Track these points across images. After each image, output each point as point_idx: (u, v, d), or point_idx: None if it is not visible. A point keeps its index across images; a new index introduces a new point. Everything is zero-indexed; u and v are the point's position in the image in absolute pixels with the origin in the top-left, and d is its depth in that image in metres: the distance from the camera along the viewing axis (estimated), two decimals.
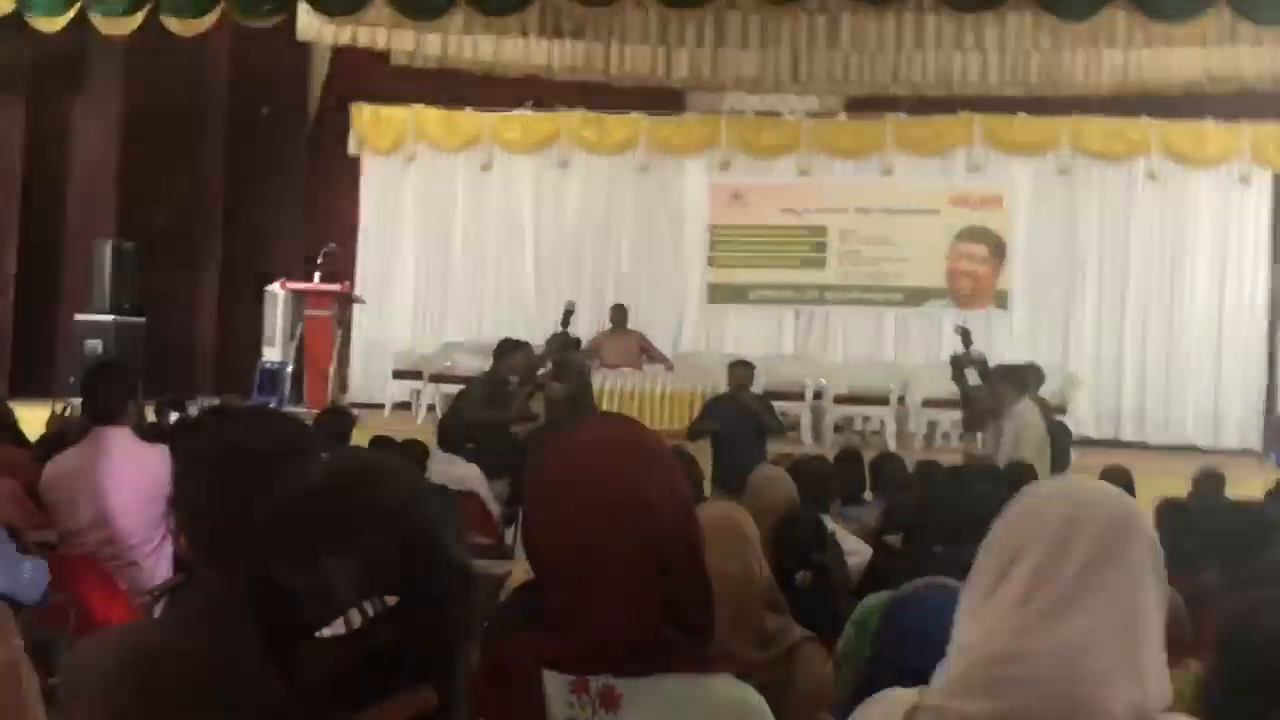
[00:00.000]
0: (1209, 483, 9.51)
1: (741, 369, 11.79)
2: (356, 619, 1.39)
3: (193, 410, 10.51)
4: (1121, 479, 9.00)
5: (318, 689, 1.43)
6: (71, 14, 13.27)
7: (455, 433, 10.57)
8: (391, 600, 1.41)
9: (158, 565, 5.59)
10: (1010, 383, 10.98)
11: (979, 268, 16.98)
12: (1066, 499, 1.87)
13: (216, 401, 8.15)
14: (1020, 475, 7.65)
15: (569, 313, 12.78)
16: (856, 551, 6.29)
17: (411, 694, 1.45)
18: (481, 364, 15.39)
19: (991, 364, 11.58)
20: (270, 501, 1.50)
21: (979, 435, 11.68)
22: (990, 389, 11.04)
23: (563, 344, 12.33)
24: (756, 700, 2.03)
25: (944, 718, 1.82)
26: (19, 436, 9.01)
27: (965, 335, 12.05)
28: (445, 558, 1.48)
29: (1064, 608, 1.79)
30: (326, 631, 1.39)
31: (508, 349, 11.90)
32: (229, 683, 1.69)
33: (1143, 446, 15.61)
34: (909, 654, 3.36)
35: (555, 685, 1.88)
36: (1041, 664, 1.77)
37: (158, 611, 4.79)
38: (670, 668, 1.92)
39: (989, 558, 1.87)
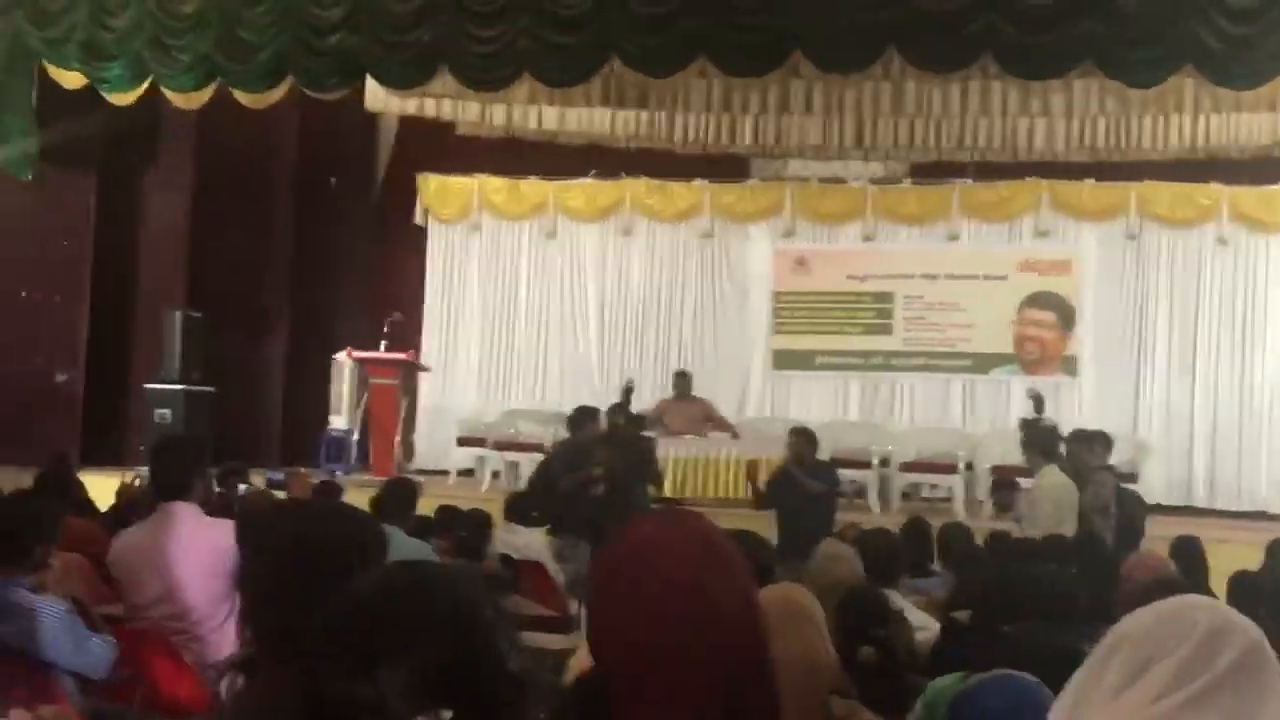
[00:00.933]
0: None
1: (792, 437, 11.73)
2: None
3: (257, 481, 10.59)
4: (1193, 548, 8.92)
5: None
6: (144, 88, 13.49)
7: (536, 502, 10.63)
8: (447, 714, 1.40)
9: (223, 640, 5.59)
10: (1036, 448, 10.92)
11: (1047, 334, 16.85)
12: (1213, 611, 1.89)
13: (280, 475, 8.18)
14: (1092, 551, 7.56)
15: (629, 390, 12.76)
16: (924, 626, 6.21)
17: None
18: (544, 431, 15.48)
19: (1061, 430, 11.45)
20: (326, 612, 1.50)
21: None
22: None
23: (625, 419, 12.31)
24: None
25: None
26: (89, 507, 9.10)
27: (1038, 400, 11.95)
28: (500, 667, 1.47)
29: (1204, 703, 1.79)
30: None
31: (585, 419, 11.94)
32: None
33: (1215, 513, 15.39)
34: None
35: None
36: None
37: (223, 687, 4.82)
38: None
39: (1120, 655, 1.87)
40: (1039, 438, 11.14)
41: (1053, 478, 10.56)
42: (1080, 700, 1.88)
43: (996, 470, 14.57)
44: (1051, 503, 10.47)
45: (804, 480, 11.25)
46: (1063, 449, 10.83)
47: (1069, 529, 9.80)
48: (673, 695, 1.85)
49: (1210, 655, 1.81)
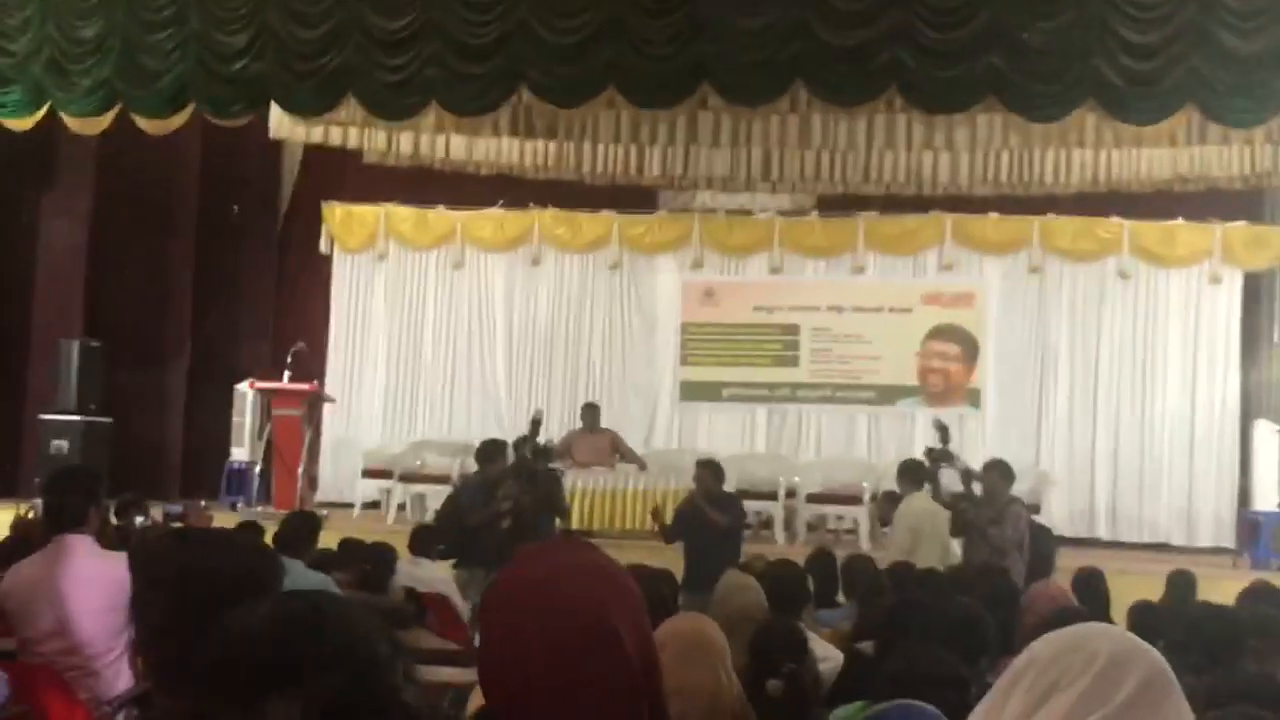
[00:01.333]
0: (1181, 585, 9.49)
1: (699, 468, 11.75)
2: None
3: (155, 513, 10.42)
4: (1096, 581, 8.98)
5: None
6: (41, 113, 13.29)
7: (443, 536, 10.54)
8: None
9: (118, 675, 5.47)
10: (907, 475, 11.42)
11: (951, 366, 16.99)
12: (1115, 640, 1.88)
13: (179, 507, 8.06)
14: (993, 582, 7.58)
15: (537, 422, 12.69)
16: (828, 657, 6.18)
17: None
18: (451, 463, 15.38)
19: (964, 462, 11.54)
20: (213, 644, 1.44)
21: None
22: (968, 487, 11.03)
23: (532, 450, 12.23)
24: None
25: None
26: None
27: (943, 430, 12.00)
28: (393, 700, 1.42)
29: None
30: None
31: (494, 452, 11.87)
32: None
33: (1117, 545, 15.57)
34: None
35: None
36: None
37: None
38: None
39: (1023, 685, 1.86)
40: (910, 465, 11.59)
41: (915, 504, 10.84)
42: None
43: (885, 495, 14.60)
44: (909, 529, 10.70)
45: (710, 513, 11.24)
46: (971, 480, 10.94)
47: (925, 556, 9.95)
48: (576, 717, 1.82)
49: (1110, 686, 1.80)
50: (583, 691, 1.83)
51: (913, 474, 11.45)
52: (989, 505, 10.52)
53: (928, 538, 10.69)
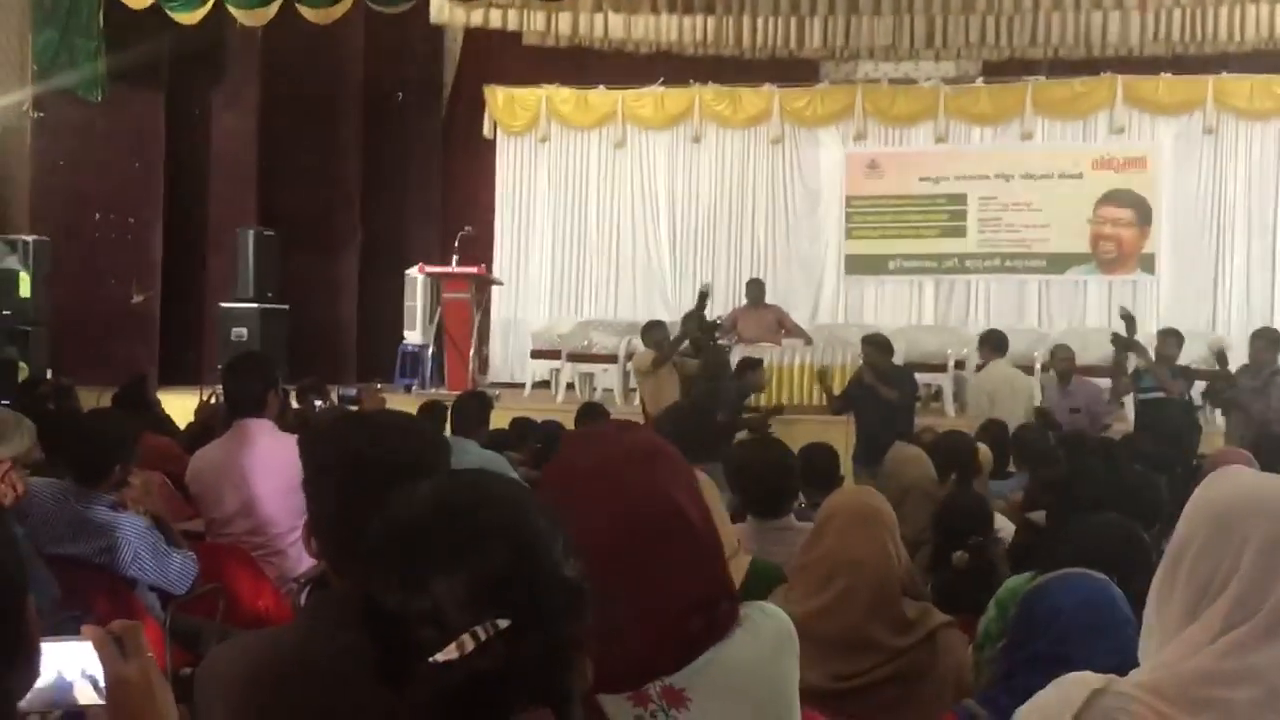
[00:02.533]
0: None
1: (866, 344, 11.72)
2: (469, 643, 1.38)
3: (334, 395, 10.67)
4: (1275, 443, 8.82)
5: (433, 713, 1.42)
6: (209, 6, 13.50)
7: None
8: (503, 622, 1.39)
9: (302, 553, 5.62)
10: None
11: (1123, 232, 16.65)
12: (1267, 515, 1.78)
13: (354, 390, 8.25)
14: (1165, 451, 7.48)
15: (704, 295, 12.73)
16: (1001, 528, 6.19)
17: (527, 716, 1.43)
18: (617, 342, 15.51)
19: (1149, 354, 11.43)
20: (374, 526, 1.49)
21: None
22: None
23: (699, 325, 12.31)
24: (784, 618, 2.08)
25: (1133, 709, 1.78)
26: (168, 425, 9.21)
27: (1129, 319, 11.82)
28: (555, 575, 1.46)
29: (1268, 636, 1.73)
30: (439, 656, 1.38)
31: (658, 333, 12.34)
32: (353, 699, 1.68)
33: None
34: (1044, 642, 3.32)
35: (615, 706, 1.85)
36: (1245, 691, 1.73)
37: (303, 599, 4.87)
38: (714, 640, 1.92)
39: (1184, 576, 1.81)
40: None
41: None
42: (1150, 632, 1.83)
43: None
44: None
45: (880, 388, 11.22)
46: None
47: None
48: (650, 596, 1.86)
49: (1268, 577, 1.73)
50: (657, 571, 1.86)
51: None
52: (1252, 375, 10.32)
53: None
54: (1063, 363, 11.54)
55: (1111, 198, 16.66)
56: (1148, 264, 16.56)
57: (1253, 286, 16.20)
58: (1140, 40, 16.01)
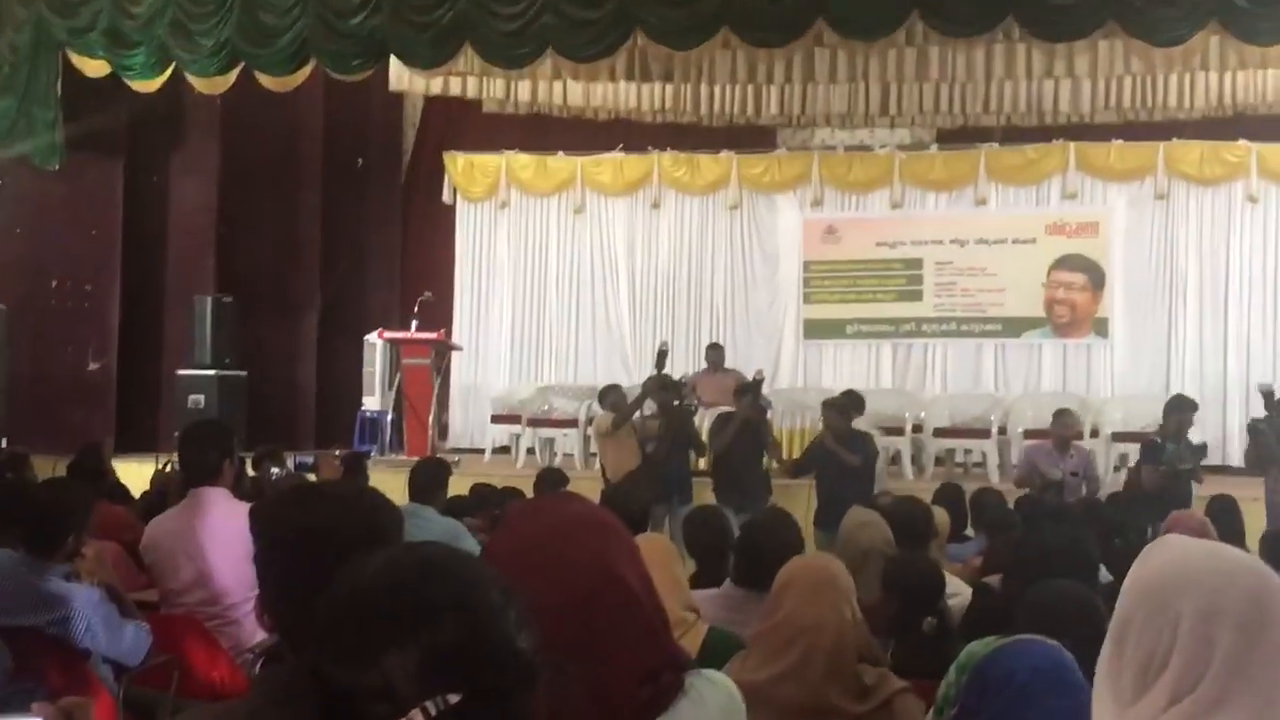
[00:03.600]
0: None
1: (827, 410, 11.76)
2: (419, 718, 1.38)
3: (291, 463, 10.63)
4: (1228, 508, 8.91)
5: None
6: (167, 74, 13.52)
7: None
8: (455, 697, 1.40)
9: (257, 623, 5.63)
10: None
11: (1077, 296, 16.78)
12: (1199, 589, 1.80)
13: (311, 458, 8.22)
14: (1120, 512, 7.53)
15: (663, 354, 12.80)
16: (957, 592, 6.21)
17: None
18: (577, 406, 15.55)
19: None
20: (325, 599, 1.50)
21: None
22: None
23: (661, 384, 12.35)
24: (731, 686, 2.09)
25: None
26: (123, 494, 9.16)
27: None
28: (508, 648, 1.47)
29: (1212, 709, 1.74)
30: None
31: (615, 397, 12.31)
32: None
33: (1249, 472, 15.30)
34: (997, 709, 3.33)
35: None
36: None
37: (257, 671, 4.85)
38: (658, 711, 1.94)
39: (1129, 653, 1.82)
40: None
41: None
42: (1102, 706, 1.84)
43: None
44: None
45: (841, 453, 11.25)
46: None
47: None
48: (594, 667, 1.86)
49: (1204, 647, 1.75)
50: (600, 643, 1.88)
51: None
52: None
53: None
54: (1066, 429, 11.58)
55: (1065, 262, 16.79)
56: (1101, 328, 16.69)
57: (1205, 350, 16.33)
58: (1092, 108, 16.23)
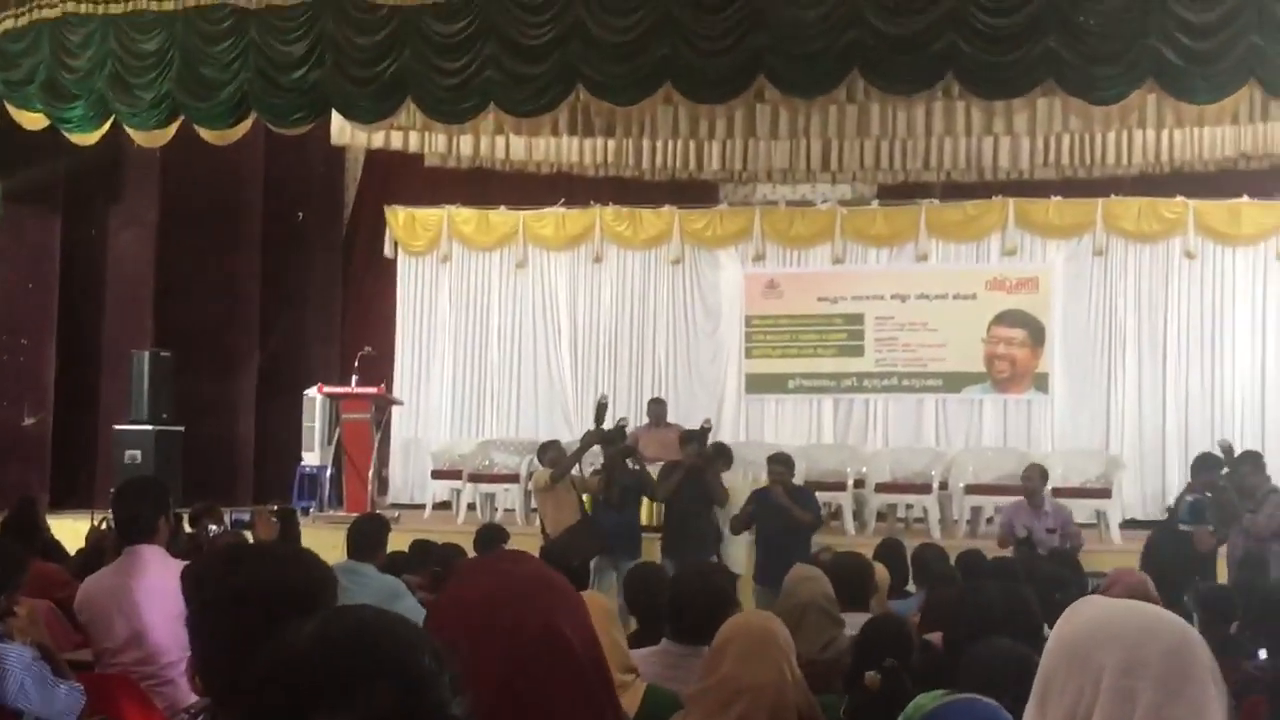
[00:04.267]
0: (1251, 566, 9.45)
1: (777, 464, 11.72)
2: None
3: (228, 520, 10.52)
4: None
5: None
6: (105, 128, 13.45)
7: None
8: None
9: (189, 685, 5.56)
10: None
11: (1017, 351, 16.89)
12: (1119, 643, 1.81)
13: (248, 514, 8.12)
14: (1064, 569, 7.56)
15: (602, 407, 12.77)
16: None
17: None
18: (518, 461, 15.50)
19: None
20: (259, 663, 1.47)
21: None
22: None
23: (600, 436, 12.34)
24: None
25: None
26: (57, 551, 9.04)
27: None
28: (442, 714, 1.44)
29: None
30: None
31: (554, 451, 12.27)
32: None
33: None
34: None
35: None
36: None
37: None
38: None
39: (1052, 710, 1.83)
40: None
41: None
42: None
43: None
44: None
45: (794, 509, 11.23)
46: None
47: None
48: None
49: (1124, 701, 1.76)
50: (544, 701, 1.86)
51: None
52: (1247, 497, 10.58)
53: None
54: (1036, 482, 11.60)
55: (1005, 318, 16.92)
56: (1041, 383, 16.80)
57: (1144, 405, 16.46)
58: (1031, 164, 16.42)
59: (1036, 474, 11.77)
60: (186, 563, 5.59)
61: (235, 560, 2.50)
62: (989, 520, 15.04)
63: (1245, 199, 16.18)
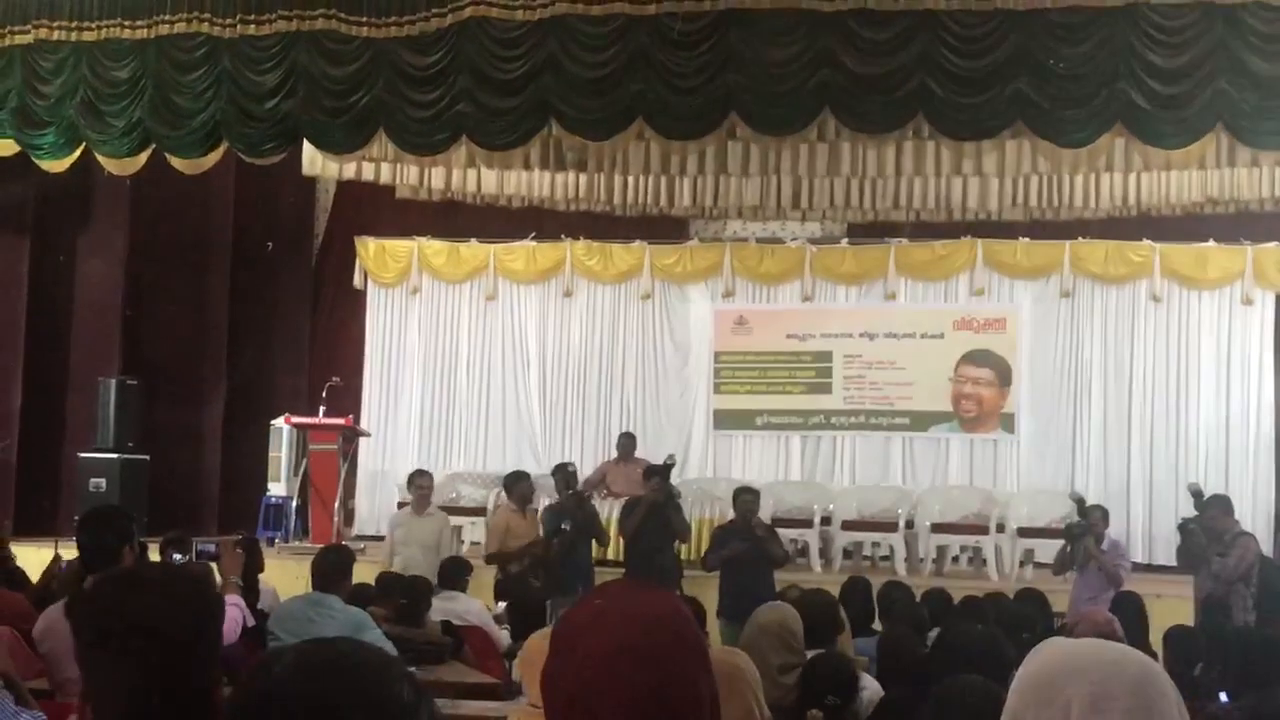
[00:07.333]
0: (1216, 609, 9.49)
1: (746, 496, 11.74)
2: None
3: (198, 546, 10.46)
4: (1132, 604, 8.97)
5: None
6: (76, 155, 13.42)
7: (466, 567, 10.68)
8: None
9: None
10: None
11: (984, 391, 16.95)
12: (1087, 677, 1.83)
13: (212, 545, 8.05)
14: (1028, 607, 7.58)
15: (570, 474, 12.83)
16: (865, 686, 6.20)
17: None
18: (485, 494, 15.46)
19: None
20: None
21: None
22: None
23: (563, 481, 12.47)
24: None
25: None
26: (21, 579, 8.98)
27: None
28: None
29: None
30: None
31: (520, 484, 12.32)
32: None
33: (1153, 568, 15.45)
34: None
35: None
36: None
37: None
38: None
39: None
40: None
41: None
42: None
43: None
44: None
45: (770, 544, 11.28)
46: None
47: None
48: None
49: None
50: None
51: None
52: (1215, 540, 10.66)
53: None
54: (1097, 525, 11.57)
55: (972, 358, 16.98)
56: (1008, 423, 16.86)
57: (1109, 446, 16.52)
58: (999, 206, 16.51)
59: (1099, 514, 11.75)
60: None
61: (126, 588, 2.33)
62: (954, 559, 15.10)
63: (1211, 243, 16.29)
